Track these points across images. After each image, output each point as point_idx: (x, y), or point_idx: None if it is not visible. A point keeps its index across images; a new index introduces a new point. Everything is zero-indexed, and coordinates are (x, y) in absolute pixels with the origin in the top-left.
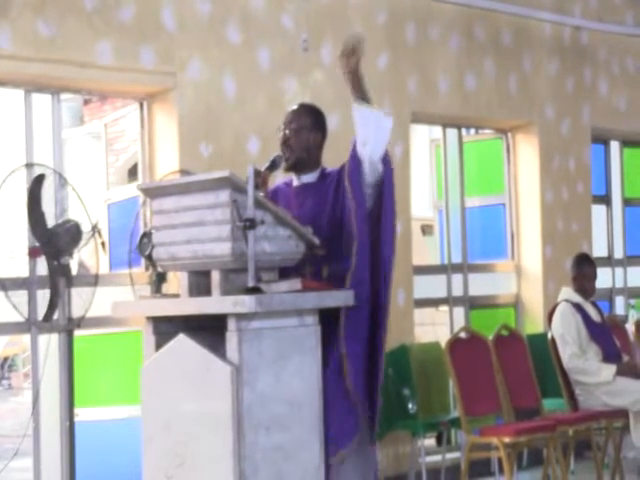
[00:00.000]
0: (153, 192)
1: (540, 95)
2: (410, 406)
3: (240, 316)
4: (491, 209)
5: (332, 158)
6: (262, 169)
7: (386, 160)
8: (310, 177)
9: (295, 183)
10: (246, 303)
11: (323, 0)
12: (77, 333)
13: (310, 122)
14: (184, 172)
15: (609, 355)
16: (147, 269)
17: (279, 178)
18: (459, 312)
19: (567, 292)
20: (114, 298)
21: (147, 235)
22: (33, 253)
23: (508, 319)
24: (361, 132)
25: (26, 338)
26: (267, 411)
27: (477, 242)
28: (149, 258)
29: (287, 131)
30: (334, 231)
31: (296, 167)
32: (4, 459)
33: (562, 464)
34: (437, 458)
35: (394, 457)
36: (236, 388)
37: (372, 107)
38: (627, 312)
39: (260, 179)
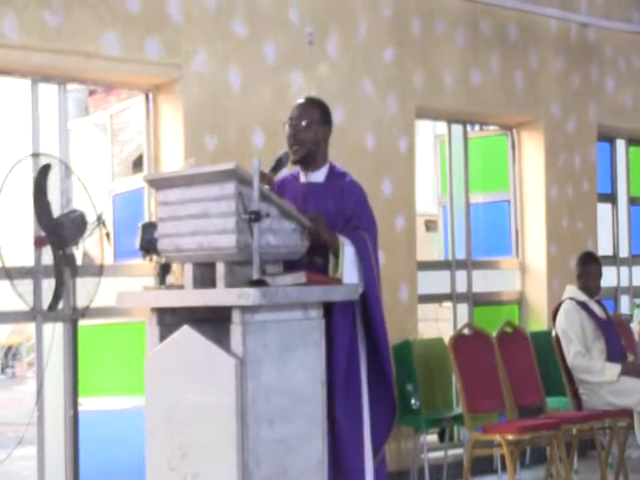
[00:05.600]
0: (158, 183)
1: (546, 92)
2: (413, 402)
3: (244, 309)
4: (496, 206)
5: (337, 152)
6: (267, 171)
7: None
8: (318, 175)
9: (302, 180)
10: (250, 296)
11: None
12: (81, 323)
13: (318, 116)
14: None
15: (614, 354)
16: (150, 259)
17: (285, 170)
18: (463, 308)
19: (572, 290)
20: (118, 289)
21: (144, 227)
22: (38, 242)
23: (512, 316)
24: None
25: (31, 327)
26: (271, 404)
27: (481, 239)
28: (142, 249)
29: (296, 126)
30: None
31: (304, 162)
32: (8, 448)
33: (565, 463)
34: (440, 454)
35: (396, 452)
36: (240, 381)
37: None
38: (632, 311)
39: (265, 181)
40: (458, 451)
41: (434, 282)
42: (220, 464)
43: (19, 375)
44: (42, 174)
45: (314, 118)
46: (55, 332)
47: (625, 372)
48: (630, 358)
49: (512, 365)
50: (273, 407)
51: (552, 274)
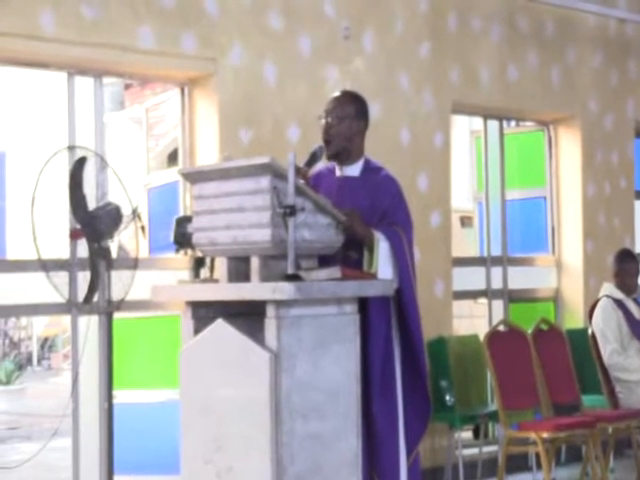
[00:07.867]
0: (193, 177)
1: (583, 88)
2: (447, 398)
3: (279, 303)
4: (532, 202)
5: (373, 147)
6: (301, 165)
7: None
8: (353, 169)
9: (337, 173)
10: (285, 290)
11: None
12: (116, 316)
13: (353, 110)
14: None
15: None
16: (184, 253)
17: (320, 163)
18: (498, 305)
19: (608, 288)
20: (153, 282)
21: (177, 221)
22: (74, 235)
23: (547, 313)
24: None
25: (66, 319)
26: (305, 399)
27: (517, 235)
28: (175, 242)
29: (330, 119)
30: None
31: (338, 156)
32: (43, 439)
33: (601, 462)
34: (474, 451)
35: (431, 449)
36: (274, 375)
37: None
38: None
39: (300, 175)
40: (493, 448)
41: (469, 278)
42: (254, 458)
43: (55, 367)
44: (78, 167)
45: (348, 112)
46: (90, 324)
47: None
48: None
49: (548, 362)
50: (307, 402)
51: (588, 271)
